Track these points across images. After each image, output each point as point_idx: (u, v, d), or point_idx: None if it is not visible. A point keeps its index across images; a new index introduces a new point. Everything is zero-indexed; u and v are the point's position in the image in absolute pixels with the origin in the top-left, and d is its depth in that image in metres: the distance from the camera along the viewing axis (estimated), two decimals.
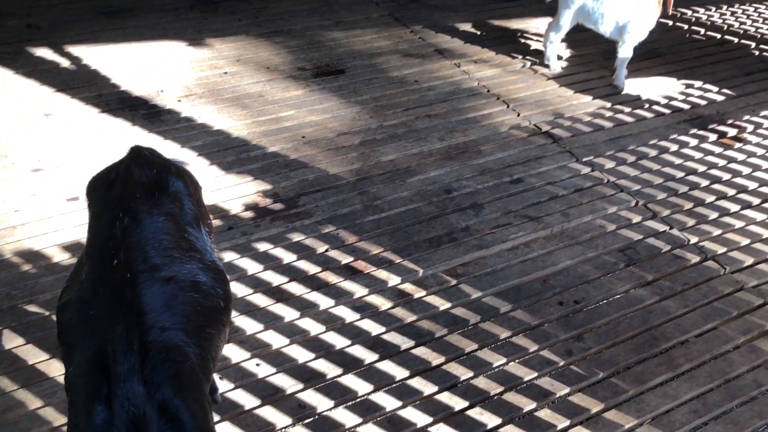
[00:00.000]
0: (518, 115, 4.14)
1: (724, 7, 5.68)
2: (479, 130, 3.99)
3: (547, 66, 4.63)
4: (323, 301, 2.80)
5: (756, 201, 3.51)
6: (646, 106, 4.29)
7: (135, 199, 1.82)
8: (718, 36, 5.21)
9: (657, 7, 4.28)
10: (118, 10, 5.11)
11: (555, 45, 4.58)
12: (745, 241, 3.24)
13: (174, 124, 3.87)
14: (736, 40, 5.17)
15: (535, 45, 4.93)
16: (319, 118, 4.00)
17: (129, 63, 4.44)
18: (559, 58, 4.74)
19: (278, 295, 2.83)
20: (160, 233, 1.79)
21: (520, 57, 4.75)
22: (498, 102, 4.26)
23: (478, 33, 5.07)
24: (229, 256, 2.99)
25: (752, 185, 3.62)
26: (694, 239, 3.23)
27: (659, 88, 4.49)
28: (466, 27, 5.14)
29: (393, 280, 2.93)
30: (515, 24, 5.21)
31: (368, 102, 4.19)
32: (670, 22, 5.37)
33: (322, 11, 5.24)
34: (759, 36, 5.22)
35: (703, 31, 5.28)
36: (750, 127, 4.12)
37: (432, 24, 5.15)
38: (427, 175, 3.60)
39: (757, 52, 5.00)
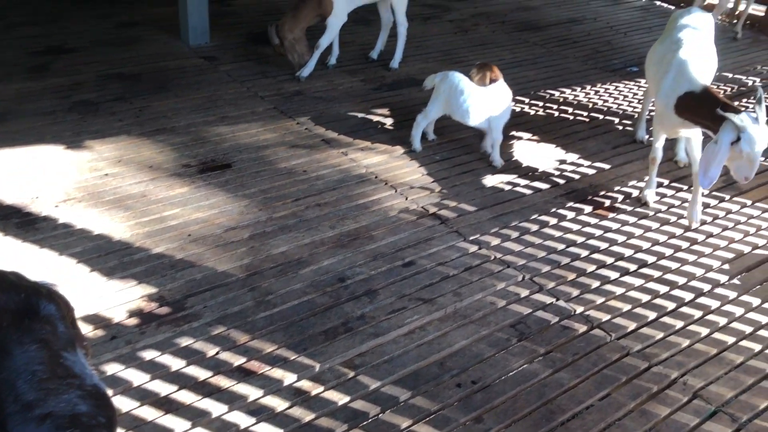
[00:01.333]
0: (406, 198, 4.24)
1: (588, 86, 6.13)
2: (370, 215, 4.04)
3: (410, 143, 4.81)
4: (216, 408, 2.67)
5: (633, 267, 3.70)
6: (525, 182, 4.50)
7: (1, 328, 1.69)
8: (585, 113, 5.60)
9: (509, 91, 4.57)
10: None
11: (420, 128, 4.79)
12: (626, 307, 3.39)
13: (51, 232, 3.69)
14: (601, 116, 5.56)
15: None
16: (205, 214, 3.93)
17: (0, 171, 4.24)
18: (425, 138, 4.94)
19: (167, 405, 2.68)
20: (32, 364, 1.65)
21: (404, 143, 4.89)
22: (386, 187, 4.35)
23: (363, 122, 5.21)
24: (112, 368, 2.82)
25: (628, 252, 3.83)
26: (579, 309, 3.35)
27: (536, 165, 4.73)
28: (351, 116, 5.27)
29: (289, 378, 2.84)
30: (397, 112, 5.40)
31: (256, 195, 4.17)
32: (541, 103, 5.73)
33: (206, 107, 5.23)
34: (621, 112, 5.65)
35: (571, 109, 5.66)
36: (621, 197, 4.39)
37: (317, 115, 5.25)
38: (319, 264, 3.58)
39: (620, 127, 5.39)
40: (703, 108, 3.70)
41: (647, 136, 5.10)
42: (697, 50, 4.07)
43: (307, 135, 4.95)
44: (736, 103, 5.78)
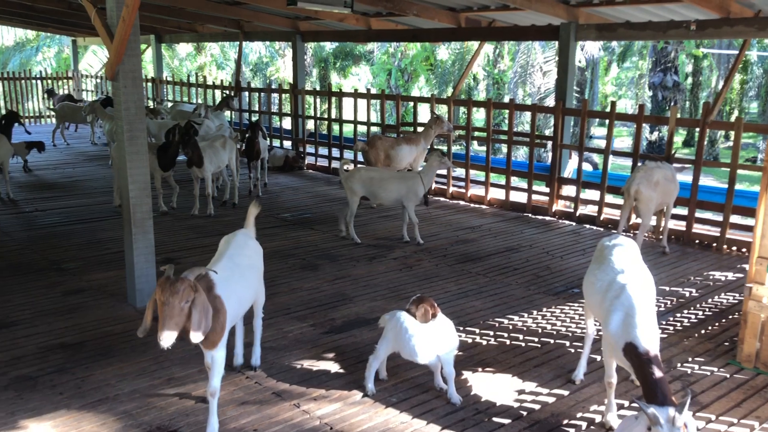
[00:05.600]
0: None
1: (534, 311, 6.24)
2: None
3: (364, 387, 4.72)
4: None
5: None
6: (486, 419, 4.35)
7: None
8: (536, 339, 5.63)
9: (451, 323, 4.62)
10: None
11: (373, 369, 4.74)
12: None
13: None
14: (552, 341, 5.60)
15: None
16: None
17: None
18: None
19: None
20: None
21: (359, 387, 4.76)
22: None
23: (315, 368, 5.10)
24: None
25: None
26: None
27: (494, 399, 4.62)
28: (302, 364, 5.17)
29: None
30: (349, 354, 5.33)
31: None
32: (491, 332, 5.76)
33: (152, 370, 5.07)
34: (570, 335, 5.71)
35: (521, 336, 5.69)
36: (584, 425, 4.25)
37: (267, 366, 5.13)
38: None
39: (572, 350, 5.41)
40: (640, 371, 3.71)
41: (581, 377, 4.88)
42: (638, 282, 4.12)
43: (257, 389, 4.78)
44: (670, 320, 5.94)
